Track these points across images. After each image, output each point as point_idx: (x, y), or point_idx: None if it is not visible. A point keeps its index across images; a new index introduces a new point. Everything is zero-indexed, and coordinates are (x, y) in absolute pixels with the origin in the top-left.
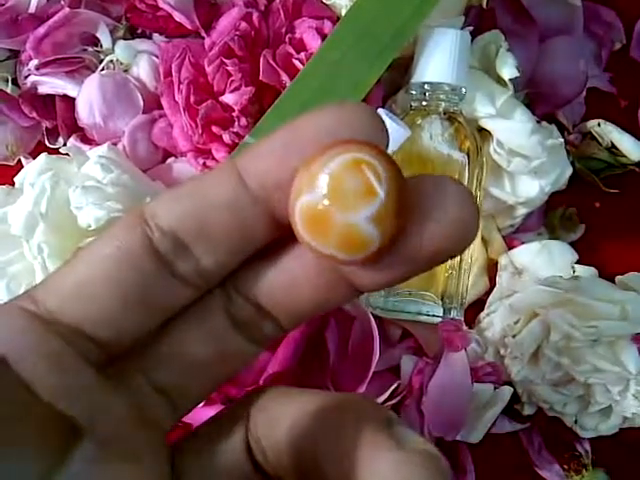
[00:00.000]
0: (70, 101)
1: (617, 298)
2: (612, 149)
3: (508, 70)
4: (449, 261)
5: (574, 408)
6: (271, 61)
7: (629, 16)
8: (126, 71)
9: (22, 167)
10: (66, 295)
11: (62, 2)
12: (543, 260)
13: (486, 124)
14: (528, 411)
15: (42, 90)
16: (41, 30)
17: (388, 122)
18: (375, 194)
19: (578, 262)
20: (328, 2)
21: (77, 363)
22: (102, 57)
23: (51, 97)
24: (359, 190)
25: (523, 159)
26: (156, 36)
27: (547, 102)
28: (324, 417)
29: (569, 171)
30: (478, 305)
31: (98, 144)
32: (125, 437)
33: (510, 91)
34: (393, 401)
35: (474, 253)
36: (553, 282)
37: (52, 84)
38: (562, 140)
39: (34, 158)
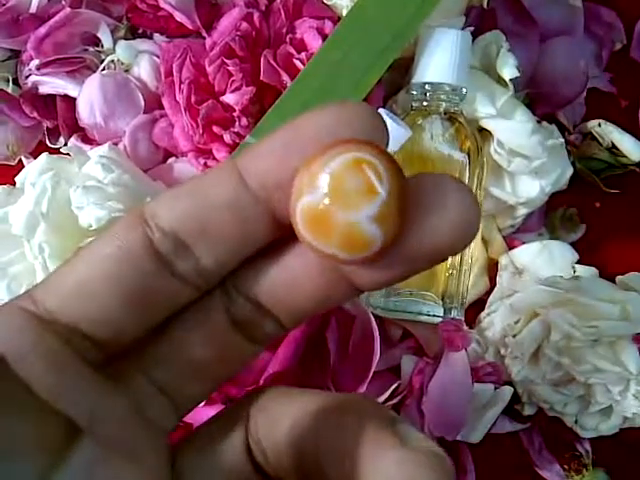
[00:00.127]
0: (71, 101)
1: (618, 298)
2: (612, 149)
3: (509, 70)
4: (449, 261)
5: (574, 408)
6: (272, 61)
7: (629, 16)
8: (127, 71)
9: (23, 167)
10: (66, 294)
11: (63, 2)
12: (544, 260)
13: (487, 124)
14: (528, 411)
15: (43, 90)
16: (42, 30)
17: (389, 122)
18: (376, 193)
19: (579, 262)
20: (329, 2)
21: (76, 362)
22: (103, 57)
23: (52, 97)
24: (360, 189)
25: (524, 159)
26: (157, 36)
27: (548, 102)
28: (325, 417)
29: (570, 171)
30: (478, 305)
31: (99, 144)
32: (125, 437)
33: (511, 91)
34: (393, 401)
35: (475, 253)
36: (554, 282)
37: (53, 84)
38: (562, 140)
39: (35, 158)
